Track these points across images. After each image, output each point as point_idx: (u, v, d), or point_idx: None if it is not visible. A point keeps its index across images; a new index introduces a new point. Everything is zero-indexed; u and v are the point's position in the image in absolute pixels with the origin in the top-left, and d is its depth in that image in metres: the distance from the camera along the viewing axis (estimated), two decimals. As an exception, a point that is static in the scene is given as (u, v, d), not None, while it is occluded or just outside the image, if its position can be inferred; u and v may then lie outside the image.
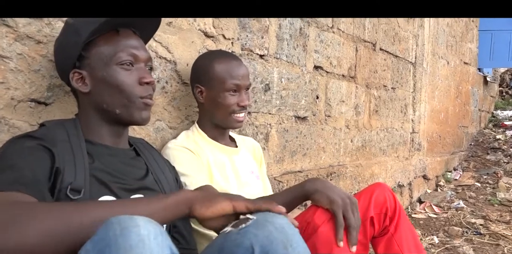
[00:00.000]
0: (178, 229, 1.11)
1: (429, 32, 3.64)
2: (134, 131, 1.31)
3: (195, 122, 1.43)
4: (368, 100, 2.75)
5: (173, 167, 1.19)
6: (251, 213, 0.77)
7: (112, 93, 0.97)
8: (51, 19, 1.09)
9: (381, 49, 2.85)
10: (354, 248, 1.12)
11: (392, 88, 3.06)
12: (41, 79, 1.08)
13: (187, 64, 1.47)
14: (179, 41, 1.44)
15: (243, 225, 0.74)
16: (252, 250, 0.71)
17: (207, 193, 0.85)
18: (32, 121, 1.07)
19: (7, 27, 1.01)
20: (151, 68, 1.06)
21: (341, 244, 1.10)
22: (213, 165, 1.35)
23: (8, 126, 1.03)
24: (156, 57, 1.37)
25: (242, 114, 1.39)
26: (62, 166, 0.86)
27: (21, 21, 1.03)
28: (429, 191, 3.77)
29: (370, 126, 2.79)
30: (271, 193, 1.59)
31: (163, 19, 1.37)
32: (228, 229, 0.76)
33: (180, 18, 1.43)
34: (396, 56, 3.08)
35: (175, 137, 1.39)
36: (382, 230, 1.37)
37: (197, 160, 1.30)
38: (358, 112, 2.63)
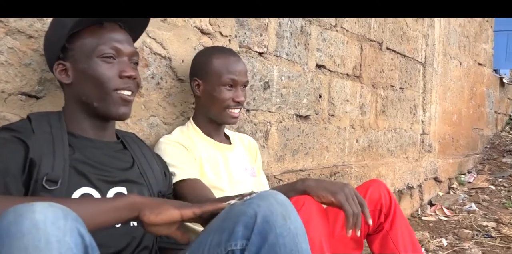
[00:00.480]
0: None
1: (439, 32, 3.59)
2: (128, 126, 1.32)
3: (190, 118, 1.44)
4: (375, 100, 2.72)
5: (163, 161, 1.20)
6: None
7: (91, 86, 0.98)
8: (42, 14, 1.10)
9: (388, 48, 2.82)
10: (358, 232, 1.09)
11: (400, 88, 3.02)
12: (32, 73, 1.10)
13: (183, 61, 1.48)
14: (174, 37, 1.45)
15: (248, 197, 0.81)
16: (255, 218, 0.77)
17: (156, 199, 0.87)
18: (23, 114, 1.08)
19: (-2, 22, 1.03)
20: (136, 63, 1.06)
21: (350, 232, 1.08)
22: (206, 161, 1.35)
23: (-1, 119, 1.05)
24: (150, 53, 1.39)
25: (237, 111, 1.39)
26: (39, 157, 0.87)
27: (12, 16, 1.05)
28: (440, 194, 3.69)
29: (376, 126, 2.75)
30: (267, 188, 1.58)
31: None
32: (233, 201, 0.82)
33: (175, 15, 1.44)
34: (405, 56, 3.04)
35: (169, 133, 1.40)
36: (377, 227, 1.35)
37: (188, 154, 1.30)
38: (363, 112, 2.60)
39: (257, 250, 0.77)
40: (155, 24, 1.38)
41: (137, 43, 1.33)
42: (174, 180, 1.21)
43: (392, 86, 2.91)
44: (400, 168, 3.03)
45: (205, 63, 1.37)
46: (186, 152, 1.30)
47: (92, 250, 0.65)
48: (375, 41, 2.67)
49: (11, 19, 1.05)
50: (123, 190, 0.99)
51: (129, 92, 1.03)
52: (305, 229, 0.83)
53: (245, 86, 1.42)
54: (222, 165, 1.39)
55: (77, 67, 0.98)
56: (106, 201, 0.81)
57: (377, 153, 2.78)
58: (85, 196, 0.91)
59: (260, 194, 0.82)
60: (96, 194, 0.93)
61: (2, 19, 1.04)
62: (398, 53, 2.95)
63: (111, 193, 0.96)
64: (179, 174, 1.22)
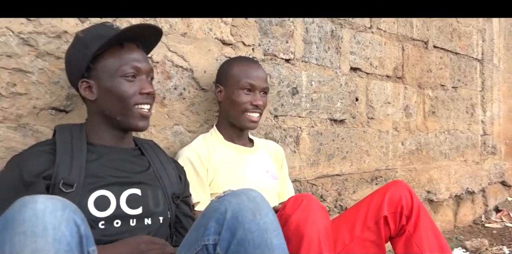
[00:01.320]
0: (182, 224, 1.18)
1: (499, 25, 3.35)
2: (152, 135, 1.42)
3: (214, 125, 1.50)
4: (422, 101, 2.61)
5: (180, 166, 1.27)
6: None
7: (114, 102, 1.08)
8: (68, 37, 1.23)
9: (435, 46, 2.70)
10: None
11: (453, 87, 2.87)
12: (60, 90, 1.23)
13: (205, 71, 1.56)
14: (195, 50, 1.53)
15: (222, 194, 0.86)
16: (225, 214, 0.82)
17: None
18: (53, 127, 1.21)
19: (29, 46, 1.18)
20: (152, 78, 1.16)
21: None
22: (224, 164, 1.40)
23: (32, 131, 1.19)
24: (172, 66, 1.48)
25: (255, 115, 1.44)
26: (57, 164, 0.98)
27: (41, 40, 1.19)
28: (510, 199, 3.42)
29: (425, 128, 2.64)
30: (292, 194, 1.60)
31: (177, 30, 1.48)
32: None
33: (195, 28, 1.53)
34: (456, 53, 2.89)
35: (193, 140, 1.48)
36: (399, 229, 1.31)
37: (198, 176, 1.35)
38: (409, 114, 2.51)
39: (227, 245, 0.81)
40: (175, 39, 1.48)
41: (159, 57, 1.44)
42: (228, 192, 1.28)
43: (442, 85, 2.77)
44: (456, 171, 2.86)
45: (226, 70, 1.45)
46: (198, 174, 1.35)
47: (86, 240, 0.73)
48: (419, 40, 2.57)
49: (40, 43, 1.19)
50: (137, 191, 1.07)
51: (148, 107, 1.13)
52: (278, 225, 0.84)
53: (265, 92, 1.46)
54: (241, 166, 1.43)
55: (101, 85, 1.08)
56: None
57: (428, 156, 2.66)
58: (100, 198, 1.01)
59: (234, 191, 0.86)
60: (111, 196, 1.03)
61: (32, 43, 1.18)
62: (448, 51, 2.81)
63: (125, 194, 1.05)
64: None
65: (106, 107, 1.09)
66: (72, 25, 1.24)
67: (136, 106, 1.10)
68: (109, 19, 1.29)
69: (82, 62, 1.08)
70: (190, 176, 1.31)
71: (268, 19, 1.76)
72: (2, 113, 1.14)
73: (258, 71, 1.44)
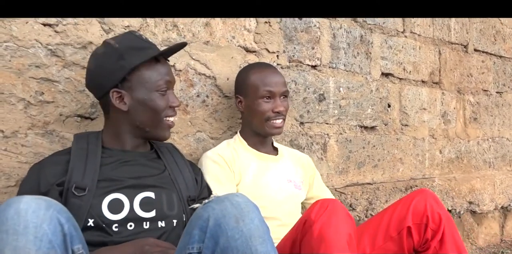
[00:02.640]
0: None
1: (549, 26, 3.15)
2: (174, 141, 1.45)
3: (238, 132, 1.51)
4: (462, 107, 2.49)
5: (196, 169, 1.28)
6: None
7: (147, 114, 1.12)
8: (93, 47, 1.29)
9: (476, 50, 2.58)
10: None
11: (497, 92, 2.72)
12: (86, 98, 1.29)
13: (228, 79, 1.58)
14: (218, 57, 1.55)
15: (207, 201, 0.84)
16: (208, 221, 0.81)
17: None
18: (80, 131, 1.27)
19: (57, 57, 1.24)
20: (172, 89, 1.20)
21: None
22: (248, 171, 1.40)
23: (58, 137, 1.25)
24: (195, 74, 1.51)
25: (278, 121, 1.43)
26: (71, 170, 1.02)
27: (68, 51, 1.26)
28: None
29: (466, 135, 2.51)
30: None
31: (200, 38, 1.51)
32: (196, 205, 0.88)
33: (218, 36, 1.55)
34: (501, 56, 2.75)
35: (217, 145, 1.49)
36: (424, 243, 1.25)
37: (226, 171, 1.36)
38: (447, 120, 2.40)
39: (212, 253, 0.79)
40: (198, 47, 1.51)
41: (182, 65, 1.47)
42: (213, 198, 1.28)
43: (485, 90, 2.64)
44: (502, 181, 2.69)
45: (243, 80, 1.45)
46: (225, 170, 1.36)
47: (70, 238, 0.76)
48: (457, 44, 2.47)
49: (67, 54, 1.25)
50: (151, 194, 1.09)
51: (173, 118, 1.18)
52: (264, 230, 0.81)
53: (285, 96, 1.45)
54: (263, 174, 1.42)
55: (135, 97, 1.11)
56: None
57: (469, 165, 2.53)
58: (114, 201, 1.04)
59: (218, 197, 0.84)
60: (124, 199, 1.05)
61: (59, 54, 1.24)
62: (490, 54, 2.68)
63: (138, 197, 1.07)
64: (218, 193, 1.29)
65: (137, 118, 1.12)
66: (97, 36, 1.30)
67: (166, 118, 1.15)
68: (123, 19, 1.34)
69: (118, 73, 1.09)
70: (217, 175, 1.31)
71: (293, 25, 1.76)
72: (31, 120, 1.20)
73: (274, 76, 1.43)
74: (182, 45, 1.19)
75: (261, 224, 0.82)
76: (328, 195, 1.59)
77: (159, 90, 1.12)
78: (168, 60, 1.20)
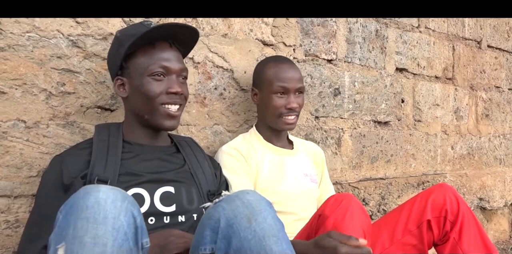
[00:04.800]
0: None
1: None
2: (192, 134, 1.45)
3: (254, 125, 1.51)
4: (474, 104, 2.48)
5: (216, 163, 1.28)
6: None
7: (142, 101, 1.10)
8: (114, 39, 1.29)
9: (489, 46, 2.56)
10: None
11: (509, 89, 2.71)
12: (106, 89, 1.29)
13: (245, 72, 1.57)
14: (236, 50, 1.55)
15: (217, 200, 0.82)
16: (219, 222, 0.78)
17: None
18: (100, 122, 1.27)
19: (78, 48, 1.24)
20: (185, 78, 1.16)
21: None
22: (264, 165, 1.40)
23: (79, 128, 1.25)
24: (213, 66, 1.50)
25: (291, 117, 1.42)
26: (93, 162, 1.02)
27: (89, 42, 1.25)
28: None
29: (478, 132, 2.51)
30: None
31: (218, 31, 1.50)
32: (207, 204, 0.85)
33: (236, 29, 1.55)
34: (513, 53, 2.73)
35: (233, 139, 1.49)
36: (443, 236, 1.25)
37: (244, 165, 1.35)
38: (459, 116, 2.39)
39: None
40: (216, 40, 1.50)
41: (200, 58, 1.47)
42: (230, 192, 1.28)
43: (497, 87, 2.62)
44: (512, 178, 2.69)
45: (259, 74, 1.44)
46: (242, 163, 1.36)
47: (141, 231, 0.76)
48: (471, 40, 2.45)
49: (88, 45, 1.25)
50: (170, 189, 1.09)
51: (176, 107, 1.13)
52: (278, 229, 0.78)
53: (300, 92, 1.44)
54: (280, 168, 1.42)
55: (132, 83, 1.11)
56: None
57: (480, 161, 2.52)
58: (134, 195, 1.03)
59: (229, 196, 0.82)
60: (145, 193, 1.05)
61: (81, 45, 1.24)
62: (504, 50, 2.66)
63: (159, 192, 1.07)
64: (235, 186, 1.29)
65: (135, 105, 1.11)
66: (118, 28, 1.29)
67: (163, 105, 1.10)
68: (149, 19, 1.33)
69: (117, 60, 1.11)
70: (233, 168, 1.31)
71: (309, 19, 1.75)
72: (52, 111, 1.20)
73: (290, 72, 1.41)
74: (177, 26, 1.11)
75: (274, 222, 0.79)
76: (331, 193, 1.57)
77: (151, 75, 1.08)
78: (181, 50, 1.17)
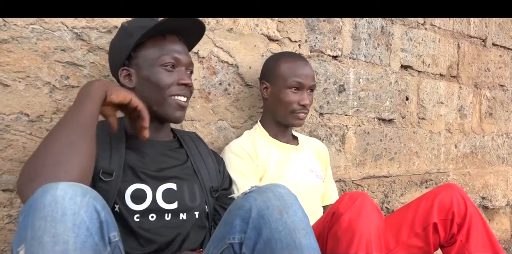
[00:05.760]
0: (221, 216, 1.18)
1: None
2: (196, 129, 1.43)
3: (258, 121, 1.49)
4: (478, 102, 2.47)
5: (219, 158, 1.26)
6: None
7: (151, 91, 1.08)
8: (119, 32, 1.27)
9: (494, 44, 2.55)
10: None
11: (513, 88, 2.69)
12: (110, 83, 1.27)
13: (250, 67, 1.55)
14: (241, 45, 1.53)
15: (248, 191, 0.83)
16: (250, 212, 0.79)
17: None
18: (102, 119, 1.25)
19: (82, 41, 1.22)
20: (191, 72, 1.16)
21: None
22: (270, 161, 1.39)
23: (82, 123, 1.23)
24: (218, 61, 1.49)
25: (302, 114, 1.41)
26: (98, 155, 0.99)
27: (93, 35, 1.24)
28: None
29: (481, 130, 2.49)
30: (335, 194, 1.56)
31: (223, 25, 1.48)
32: (236, 194, 0.85)
33: (241, 24, 1.53)
34: (518, 51, 2.71)
35: (237, 136, 1.47)
36: (450, 238, 1.23)
37: (250, 165, 1.34)
38: (463, 115, 2.38)
39: (254, 245, 0.78)
40: (221, 34, 1.48)
41: (205, 53, 1.45)
42: (237, 194, 1.26)
43: (501, 86, 2.61)
44: (515, 177, 2.68)
45: (273, 67, 1.42)
46: (249, 164, 1.34)
47: (107, 225, 0.74)
48: (476, 38, 2.44)
49: (92, 38, 1.23)
50: (173, 186, 1.07)
51: (184, 98, 1.12)
52: (307, 223, 0.80)
53: (312, 90, 1.43)
54: (286, 164, 1.41)
55: (140, 74, 1.10)
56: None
57: (483, 160, 2.51)
58: (137, 191, 1.02)
59: (261, 187, 0.82)
60: (148, 189, 1.03)
61: (85, 38, 1.22)
62: (508, 49, 2.65)
63: (161, 189, 1.05)
64: (240, 188, 1.27)
65: (143, 96, 1.08)
66: (122, 21, 1.27)
67: (172, 97, 1.09)
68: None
69: (124, 50, 1.10)
70: (240, 169, 1.30)
71: (315, 15, 1.73)
72: (56, 104, 1.18)
73: (306, 68, 1.41)
74: (187, 20, 1.12)
75: (304, 216, 0.81)
76: (333, 192, 1.57)
77: (162, 65, 1.08)
78: (186, 44, 1.16)
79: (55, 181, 0.75)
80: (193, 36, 1.20)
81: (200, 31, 1.20)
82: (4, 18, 1.10)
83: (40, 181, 0.78)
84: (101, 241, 0.72)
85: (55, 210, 0.68)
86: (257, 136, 1.44)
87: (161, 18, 1.13)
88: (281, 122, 1.44)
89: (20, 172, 0.84)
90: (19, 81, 1.13)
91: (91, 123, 0.91)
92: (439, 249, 1.30)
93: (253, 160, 1.36)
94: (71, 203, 0.69)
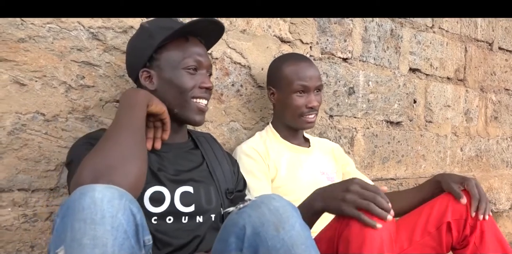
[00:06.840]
0: None
1: None
2: (209, 130, 1.43)
3: (270, 123, 1.49)
4: (484, 106, 2.48)
5: (234, 160, 1.26)
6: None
7: (173, 93, 1.08)
8: (134, 32, 1.27)
9: (500, 48, 2.55)
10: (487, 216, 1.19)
11: (518, 92, 2.70)
12: (125, 83, 1.27)
13: (262, 69, 1.55)
14: (253, 47, 1.53)
15: (241, 205, 0.79)
16: (245, 229, 0.76)
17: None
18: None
19: (98, 41, 1.22)
20: (210, 74, 1.16)
21: (474, 214, 1.19)
22: (281, 164, 1.39)
23: (97, 122, 1.23)
24: (231, 62, 1.49)
25: (311, 116, 1.40)
26: None
27: (109, 35, 1.23)
28: None
29: (487, 134, 2.50)
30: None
31: (237, 26, 1.48)
32: (231, 209, 0.81)
33: (254, 25, 1.53)
34: (523, 56, 2.72)
35: (249, 137, 1.47)
36: (463, 240, 1.23)
37: (261, 166, 1.34)
38: (469, 118, 2.39)
39: None
40: (234, 35, 1.48)
41: (218, 54, 1.45)
42: (248, 197, 1.26)
43: (506, 90, 2.62)
44: (519, 181, 2.69)
45: (276, 72, 1.41)
46: (260, 165, 1.34)
47: (142, 228, 0.73)
48: (483, 41, 2.44)
49: (108, 38, 1.23)
50: (190, 189, 1.06)
51: (205, 102, 1.12)
52: (306, 236, 0.77)
53: (319, 90, 1.42)
54: (297, 167, 1.41)
55: (162, 76, 1.08)
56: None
57: (488, 164, 2.52)
58: (156, 193, 1.02)
59: (254, 202, 0.79)
60: (166, 192, 1.03)
61: (101, 38, 1.22)
62: (514, 53, 2.66)
63: (178, 192, 1.05)
64: (253, 191, 1.27)
65: (164, 98, 1.08)
66: (138, 21, 1.27)
67: (194, 100, 1.09)
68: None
69: (146, 52, 1.08)
70: (252, 170, 1.29)
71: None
72: (71, 104, 1.18)
73: (309, 70, 1.39)
74: (211, 22, 1.12)
75: (302, 229, 0.77)
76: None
77: (185, 68, 1.07)
78: (202, 42, 1.16)
79: (118, 181, 0.77)
80: (211, 37, 1.20)
81: (219, 33, 1.19)
82: (22, 18, 1.10)
83: (105, 180, 0.79)
84: (137, 244, 0.72)
85: (94, 212, 0.68)
86: (269, 137, 1.44)
87: (181, 19, 1.13)
88: (290, 126, 1.43)
89: (79, 170, 0.83)
90: (36, 81, 1.13)
91: (143, 128, 0.95)
92: (451, 252, 1.30)
93: (265, 161, 1.36)
94: (109, 205, 0.69)
